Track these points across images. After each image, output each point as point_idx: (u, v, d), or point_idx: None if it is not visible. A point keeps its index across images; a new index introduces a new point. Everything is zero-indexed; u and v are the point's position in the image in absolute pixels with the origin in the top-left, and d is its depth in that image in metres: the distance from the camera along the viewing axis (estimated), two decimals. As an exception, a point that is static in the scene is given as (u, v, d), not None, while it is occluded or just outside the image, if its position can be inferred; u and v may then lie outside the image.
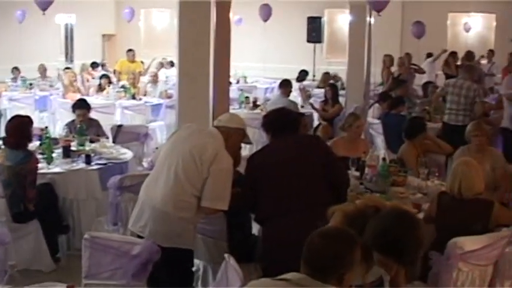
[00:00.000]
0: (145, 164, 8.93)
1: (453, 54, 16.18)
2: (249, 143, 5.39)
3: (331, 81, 15.30)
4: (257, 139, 10.46)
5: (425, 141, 7.66)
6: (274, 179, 4.79)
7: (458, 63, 16.01)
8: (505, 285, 5.09)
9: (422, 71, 15.69)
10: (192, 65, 7.43)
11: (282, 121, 5.13)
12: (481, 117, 9.37)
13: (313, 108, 12.36)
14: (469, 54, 15.44)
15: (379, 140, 10.39)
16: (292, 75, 15.31)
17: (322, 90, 15.09)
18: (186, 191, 4.69)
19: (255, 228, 5.50)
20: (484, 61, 16.53)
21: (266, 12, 20.14)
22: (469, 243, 4.68)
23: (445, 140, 8.04)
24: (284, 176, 4.78)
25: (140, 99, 12.81)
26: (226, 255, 3.96)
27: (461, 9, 21.07)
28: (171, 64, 16.25)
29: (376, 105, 11.74)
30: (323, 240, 3.09)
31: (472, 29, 21.66)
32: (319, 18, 19.87)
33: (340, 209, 3.52)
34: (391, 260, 3.22)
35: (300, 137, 5.25)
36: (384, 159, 6.53)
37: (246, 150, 8.52)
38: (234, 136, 4.98)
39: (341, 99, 12.44)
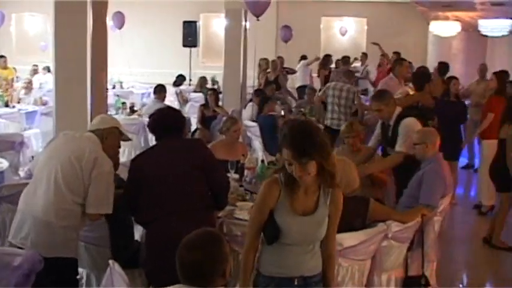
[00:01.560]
0: (22, 173, 8.70)
1: (327, 57, 16.64)
2: (128, 139, 5.33)
3: (210, 86, 15.45)
4: (135, 145, 10.43)
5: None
6: (156, 181, 4.76)
7: (332, 66, 16.52)
8: (382, 277, 5.32)
9: (293, 71, 16.01)
10: (69, 71, 7.29)
11: (167, 121, 5.09)
12: (355, 118, 9.74)
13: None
14: (345, 58, 15.90)
15: (257, 143, 10.54)
16: (169, 80, 15.30)
17: (199, 94, 15.20)
18: (67, 199, 4.60)
19: (137, 234, 5.50)
20: (357, 64, 17.02)
21: (120, 20, 19.96)
22: (348, 239, 4.84)
23: None
24: (166, 179, 4.76)
25: (14, 106, 12.45)
26: (110, 261, 3.93)
27: (334, 13, 21.64)
28: (48, 70, 15.89)
29: (251, 104, 11.85)
30: (190, 253, 3.25)
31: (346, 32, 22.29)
32: (195, 22, 19.89)
33: None
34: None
35: (184, 140, 5.25)
36: (262, 161, 6.64)
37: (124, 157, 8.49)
38: (109, 137, 4.94)
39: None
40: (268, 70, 14.78)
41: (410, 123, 6.67)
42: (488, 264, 8.05)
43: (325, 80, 15.63)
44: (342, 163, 5.35)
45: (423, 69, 9.86)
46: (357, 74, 15.44)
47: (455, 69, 15.66)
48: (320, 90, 12.41)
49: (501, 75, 10.21)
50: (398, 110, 6.87)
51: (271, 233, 3.74)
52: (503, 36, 15.51)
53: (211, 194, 4.90)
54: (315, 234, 3.77)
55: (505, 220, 8.23)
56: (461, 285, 7.29)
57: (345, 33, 21.83)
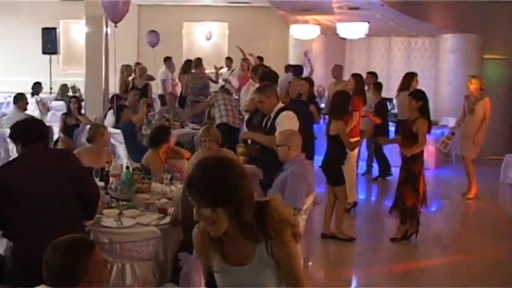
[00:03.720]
0: None
1: (188, 62, 16.64)
2: None
3: (71, 93, 15.15)
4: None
5: (165, 149, 7.87)
6: (25, 196, 4.61)
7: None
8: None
9: (152, 78, 15.94)
10: None
11: (32, 130, 4.93)
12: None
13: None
14: (198, 62, 15.90)
15: (121, 149, 10.44)
16: (28, 88, 14.89)
17: (61, 102, 14.88)
18: None
19: (1, 248, 5.32)
20: (224, 70, 17.08)
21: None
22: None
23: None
24: (36, 192, 4.63)
25: None
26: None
27: (195, 18, 21.69)
28: None
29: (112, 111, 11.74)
30: (52, 253, 3.30)
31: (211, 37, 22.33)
32: (55, 29, 19.40)
33: None
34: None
35: (50, 150, 5.12)
36: (127, 167, 6.60)
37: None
38: None
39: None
40: (131, 76, 14.66)
41: (288, 114, 7.16)
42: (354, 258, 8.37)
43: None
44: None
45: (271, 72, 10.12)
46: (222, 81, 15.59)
47: (316, 72, 16.14)
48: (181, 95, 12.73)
49: (358, 77, 10.69)
50: (280, 104, 7.35)
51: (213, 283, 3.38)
52: (360, 38, 16.07)
53: (80, 204, 4.81)
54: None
55: (341, 213, 8.70)
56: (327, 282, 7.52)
57: (210, 37, 21.90)
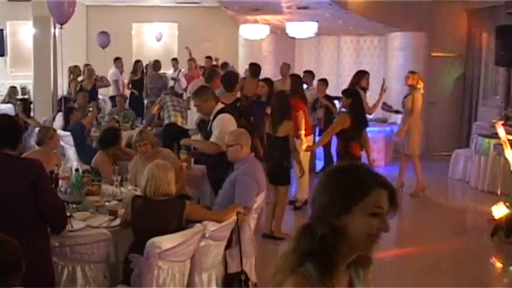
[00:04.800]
0: None
1: (138, 62, 16.60)
2: None
3: (20, 96, 14.96)
4: None
5: (116, 151, 7.82)
6: None
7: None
8: (203, 277, 5.40)
9: (107, 84, 15.81)
10: None
11: (3, 130, 4.78)
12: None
13: None
14: (155, 63, 15.88)
15: (71, 152, 10.34)
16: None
17: (9, 105, 14.68)
18: None
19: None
20: (170, 71, 17.07)
21: None
22: (166, 241, 4.90)
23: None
24: None
25: None
26: None
27: (144, 19, 21.58)
28: None
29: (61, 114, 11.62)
30: None
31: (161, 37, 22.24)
32: (1, 30, 19.07)
33: None
34: None
35: (15, 156, 4.93)
36: (77, 170, 6.53)
37: None
38: None
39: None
40: (80, 78, 14.54)
41: (223, 117, 6.98)
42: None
43: (133, 86, 15.77)
44: (153, 167, 5.40)
45: (231, 73, 10.17)
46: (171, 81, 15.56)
47: (266, 70, 16.17)
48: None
49: (295, 77, 10.72)
50: (220, 106, 7.16)
51: None
52: (309, 37, 16.15)
53: (42, 216, 4.72)
54: None
55: (281, 212, 8.79)
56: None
57: (160, 38, 21.81)
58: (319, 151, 12.34)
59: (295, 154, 8.86)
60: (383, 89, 11.63)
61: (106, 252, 5.41)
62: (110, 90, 16.28)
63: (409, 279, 7.52)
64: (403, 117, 11.30)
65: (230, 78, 8.96)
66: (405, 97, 11.18)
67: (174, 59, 17.67)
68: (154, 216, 5.23)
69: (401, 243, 9.12)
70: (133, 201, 5.39)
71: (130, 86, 16.22)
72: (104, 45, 18.20)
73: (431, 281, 7.40)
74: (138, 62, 16.60)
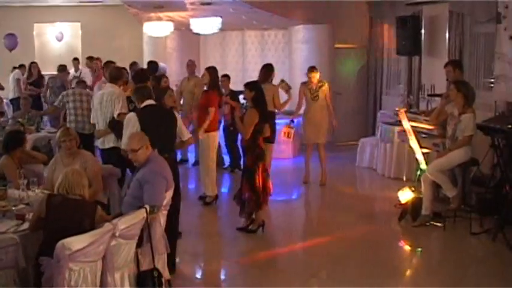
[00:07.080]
0: None
1: (33, 64, 16.48)
2: None
3: None
4: None
5: (21, 154, 7.70)
6: None
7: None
8: (115, 276, 5.38)
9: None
10: None
11: None
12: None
13: None
14: (61, 67, 15.61)
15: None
16: None
17: None
18: None
19: None
20: (71, 70, 16.84)
21: None
22: (76, 243, 4.85)
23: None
24: None
25: None
26: None
27: (46, 19, 21.12)
28: None
29: None
30: None
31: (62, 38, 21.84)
32: None
33: None
34: None
35: None
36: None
37: None
38: None
39: None
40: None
41: (128, 117, 7.20)
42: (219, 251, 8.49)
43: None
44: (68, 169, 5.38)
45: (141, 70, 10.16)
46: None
47: (172, 67, 16.17)
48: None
49: (212, 70, 10.71)
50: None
51: None
52: (214, 33, 16.18)
53: None
54: None
55: None
56: (198, 277, 7.59)
57: (61, 38, 21.42)
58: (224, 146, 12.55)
59: None
60: (288, 91, 11.71)
61: (15, 257, 5.33)
62: (10, 93, 16.04)
63: (321, 267, 7.66)
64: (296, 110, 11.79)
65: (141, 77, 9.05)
66: (307, 88, 11.45)
67: (76, 59, 17.54)
68: (69, 212, 5.28)
69: (312, 232, 9.30)
70: (49, 198, 5.39)
71: (27, 87, 16.17)
72: (12, 47, 17.99)
73: (342, 267, 7.55)
74: (32, 64, 16.54)
